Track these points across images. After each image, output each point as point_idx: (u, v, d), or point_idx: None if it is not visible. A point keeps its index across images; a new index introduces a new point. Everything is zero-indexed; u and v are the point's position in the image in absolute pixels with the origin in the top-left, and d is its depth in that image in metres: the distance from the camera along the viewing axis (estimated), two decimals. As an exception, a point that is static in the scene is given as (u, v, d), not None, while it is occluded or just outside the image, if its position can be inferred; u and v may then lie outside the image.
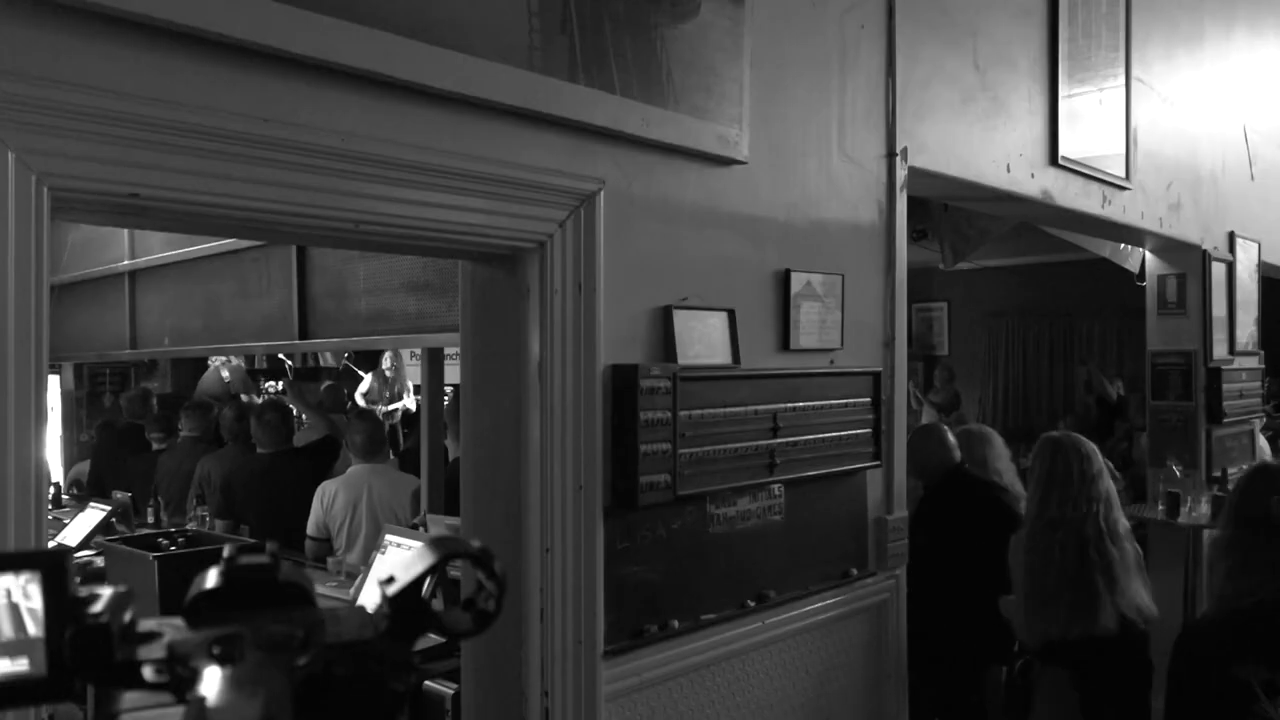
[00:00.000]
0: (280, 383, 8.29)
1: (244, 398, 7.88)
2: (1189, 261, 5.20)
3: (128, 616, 0.59)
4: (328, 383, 8.18)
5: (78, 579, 0.61)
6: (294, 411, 5.79)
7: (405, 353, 7.92)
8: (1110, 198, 4.28)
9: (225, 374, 8.12)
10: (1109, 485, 3.03)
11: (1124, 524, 3.02)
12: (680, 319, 2.41)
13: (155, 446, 5.94)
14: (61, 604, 0.58)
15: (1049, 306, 9.64)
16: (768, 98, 2.64)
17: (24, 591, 0.58)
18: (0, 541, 1.45)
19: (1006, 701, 3.53)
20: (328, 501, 4.31)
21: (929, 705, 3.64)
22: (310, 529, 4.34)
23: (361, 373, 8.49)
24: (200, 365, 8.57)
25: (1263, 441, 6.06)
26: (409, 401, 8.04)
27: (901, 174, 3.11)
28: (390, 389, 8.16)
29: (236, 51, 1.63)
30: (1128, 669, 2.95)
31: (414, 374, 7.55)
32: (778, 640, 2.72)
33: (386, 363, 8.18)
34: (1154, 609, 2.98)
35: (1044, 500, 2.99)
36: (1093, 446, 3.09)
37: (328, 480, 4.47)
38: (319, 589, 0.88)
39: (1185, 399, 5.19)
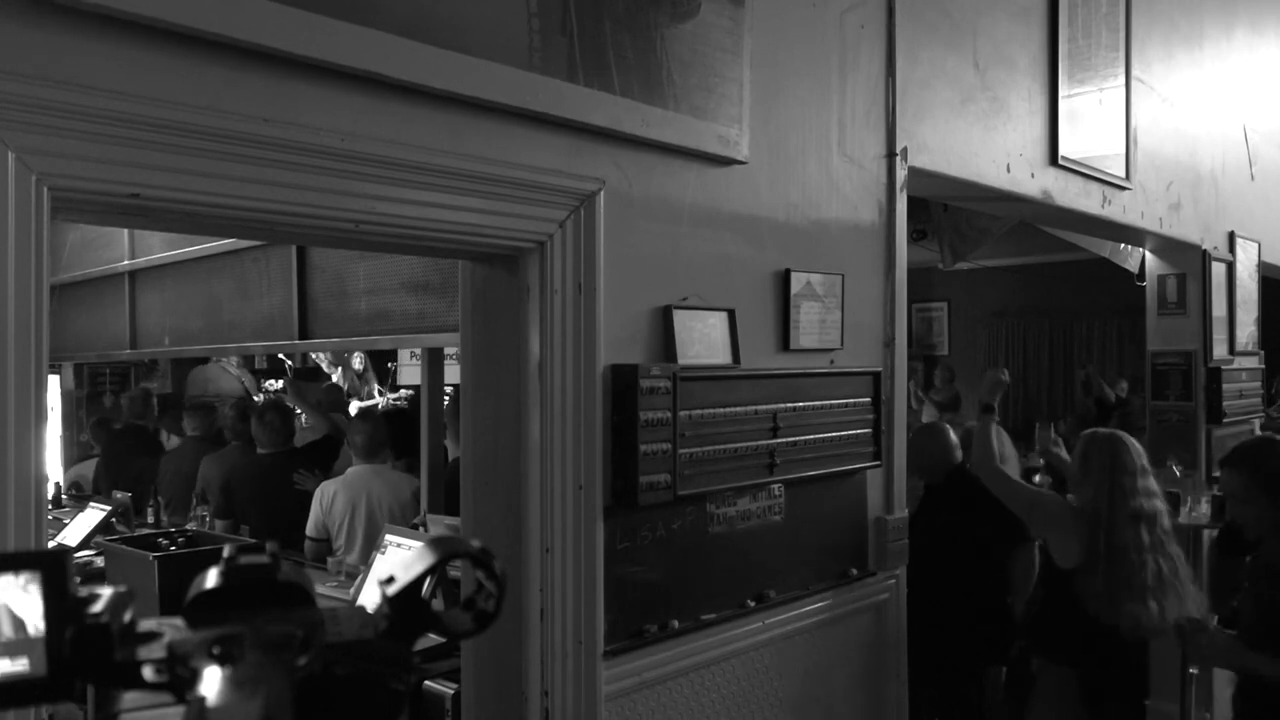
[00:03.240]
0: (280, 382, 8.36)
1: (258, 395, 8.01)
2: (1189, 261, 5.19)
3: (128, 616, 0.59)
4: (328, 382, 8.21)
5: (78, 579, 0.61)
6: (295, 411, 5.80)
7: (405, 353, 7.97)
8: (1110, 198, 4.28)
9: (234, 371, 8.24)
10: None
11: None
12: (680, 319, 2.41)
13: (169, 447, 5.96)
14: (61, 604, 0.58)
15: (1049, 306, 9.65)
16: (768, 98, 2.64)
17: (24, 591, 0.58)
18: (0, 542, 1.45)
19: (1006, 698, 3.53)
20: (327, 502, 4.31)
21: (929, 705, 3.64)
22: (310, 529, 4.34)
23: (327, 370, 8.58)
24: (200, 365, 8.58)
25: None
26: (379, 400, 8.19)
27: (901, 174, 3.11)
28: (364, 386, 8.31)
29: (237, 52, 1.63)
30: (1135, 670, 2.95)
31: (414, 374, 7.63)
32: (778, 640, 2.72)
33: (358, 362, 8.30)
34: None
35: (1115, 492, 2.95)
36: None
37: (327, 481, 4.46)
38: (319, 589, 0.88)
39: (1185, 399, 5.19)
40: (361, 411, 5.59)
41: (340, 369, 8.48)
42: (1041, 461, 5.98)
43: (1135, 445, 3.03)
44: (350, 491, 4.30)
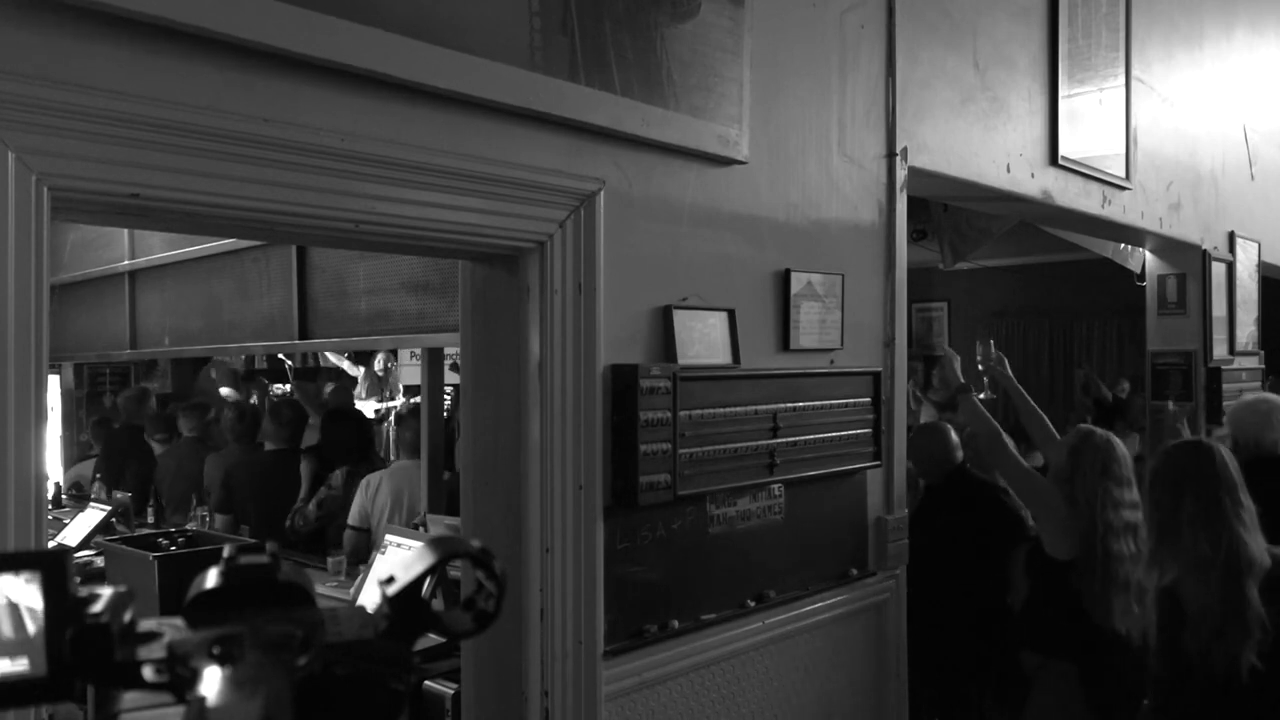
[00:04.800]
0: (289, 386, 8.40)
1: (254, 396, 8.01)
2: (1189, 261, 5.20)
3: (128, 616, 0.59)
4: (332, 384, 8.21)
5: (78, 579, 0.61)
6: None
7: (405, 353, 7.97)
8: (1110, 198, 4.28)
9: (214, 375, 8.27)
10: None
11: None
12: (680, 319, 2.41)
13: (156, 449, 5.94)
14: (61, 604, 0.58)
15: (1049, 306, 9.65)
16: (768, 98, 2.64)
17: (24, 592, 0.58)
18: (0, 542, 1.45)
19: (996, 697, 3.51)
20: (371, 491, 4.30)
21: (929, 705, 3.63)
22: (352, 518, 4.29)
23: (350, 371, 8.58)
24: (200, 366, 8.58)
25: None
26: (399, 401, 8.17)
27: (901, 174, 3.11)
28: (383, 389, 8.31)
29: (237, 51, 1.63)
30: (1139, 668, 2.94)
31: (413, 374, 7.64)
32: (778, 640, 2.72)
33: (379, 363, 8.29)
34: None
35: (1106, 500, 2.82)
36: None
37: (371, 473, 4.47)
38: (319, 589, 0.88)
39: (1185, 399, 5.20)
40: (416, 408, 5.59)
41: (363, 370, 8.50)
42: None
43: (1124, 454, 3.01)
44: (394, 481, 4.32)
